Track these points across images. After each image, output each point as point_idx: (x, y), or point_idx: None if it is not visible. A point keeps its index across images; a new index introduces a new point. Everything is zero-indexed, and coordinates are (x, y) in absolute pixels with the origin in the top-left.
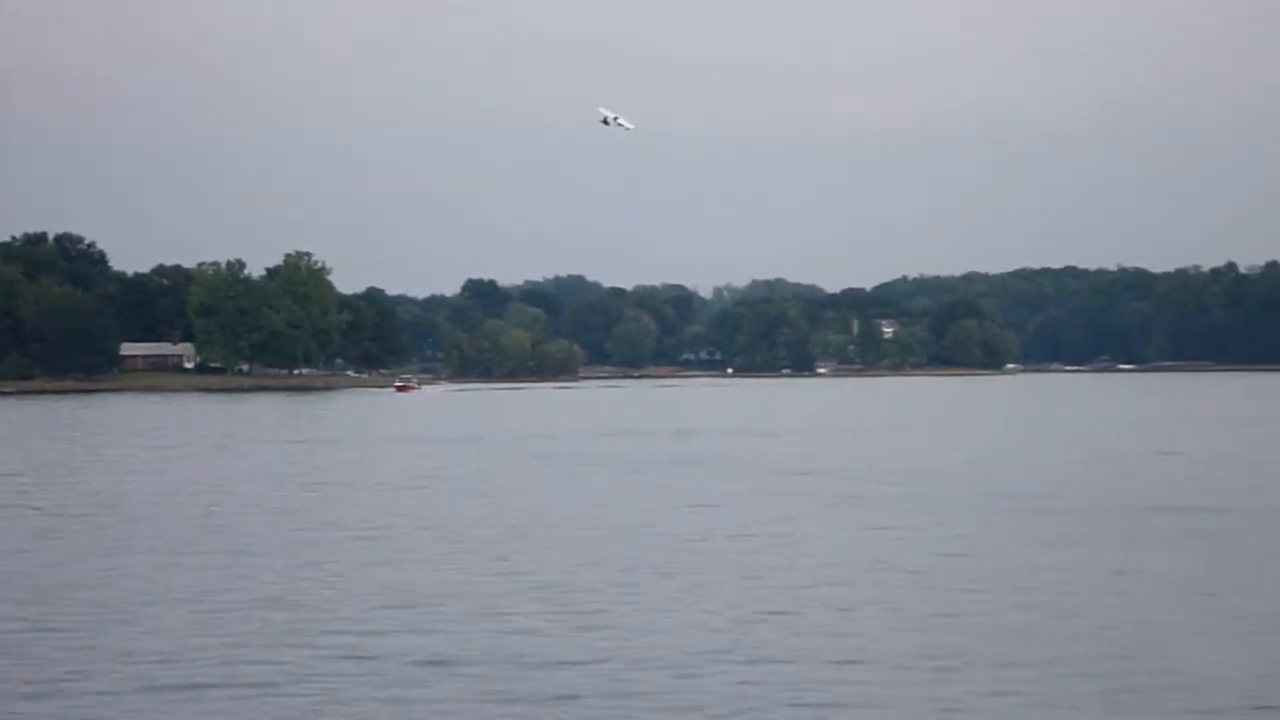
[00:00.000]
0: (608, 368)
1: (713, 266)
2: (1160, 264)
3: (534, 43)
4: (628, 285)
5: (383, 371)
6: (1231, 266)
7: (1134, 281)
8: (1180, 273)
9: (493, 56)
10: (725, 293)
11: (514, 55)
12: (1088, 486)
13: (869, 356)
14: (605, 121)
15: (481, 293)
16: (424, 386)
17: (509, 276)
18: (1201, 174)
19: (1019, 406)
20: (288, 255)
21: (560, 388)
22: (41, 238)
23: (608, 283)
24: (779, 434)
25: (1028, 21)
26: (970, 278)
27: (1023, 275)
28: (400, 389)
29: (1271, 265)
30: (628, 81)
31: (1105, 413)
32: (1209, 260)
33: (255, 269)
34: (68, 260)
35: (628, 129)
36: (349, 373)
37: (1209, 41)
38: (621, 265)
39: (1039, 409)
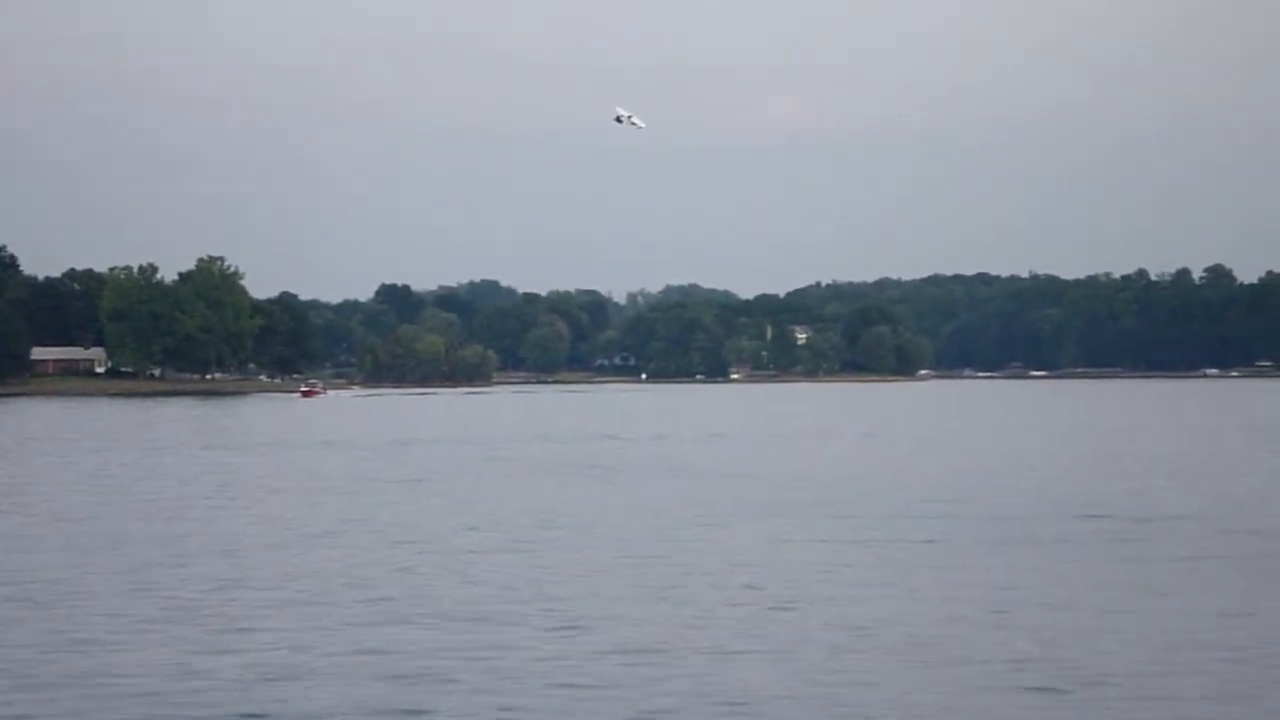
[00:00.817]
0: (521, 373)
1: (627, 272)
2: (1072, 271)
3: (446, 44)
4: (542, 291)
5: (296, 377)
6: (1142, 274)
7: (1046, 288)
8: (1091, 280)
9: (408, 58)
10: (639, 298)
11: (430, 57)
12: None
13: (782, 362)
14: (619, 119)
15: (395, 298)
16: (330, 392)
17: (423, 282)
18: (1113, 182)
19: (924, 413)
20: (200, 260)
21: (471, 393)
22: None
23: (522, 288)
24: (698, 439)
25: (950, 31)
26: (883, 284)
27: (935, 282)
28: (306, 394)
29: (1182, 273)
30: (543, 85)
31: (1011, 420)
32: (1120, 268)
33: (168, 274)
34: None
35: (640, 128)
36: (262, 378)
37: (1124, 55)
38: (536, 271)
39: (945, 414)
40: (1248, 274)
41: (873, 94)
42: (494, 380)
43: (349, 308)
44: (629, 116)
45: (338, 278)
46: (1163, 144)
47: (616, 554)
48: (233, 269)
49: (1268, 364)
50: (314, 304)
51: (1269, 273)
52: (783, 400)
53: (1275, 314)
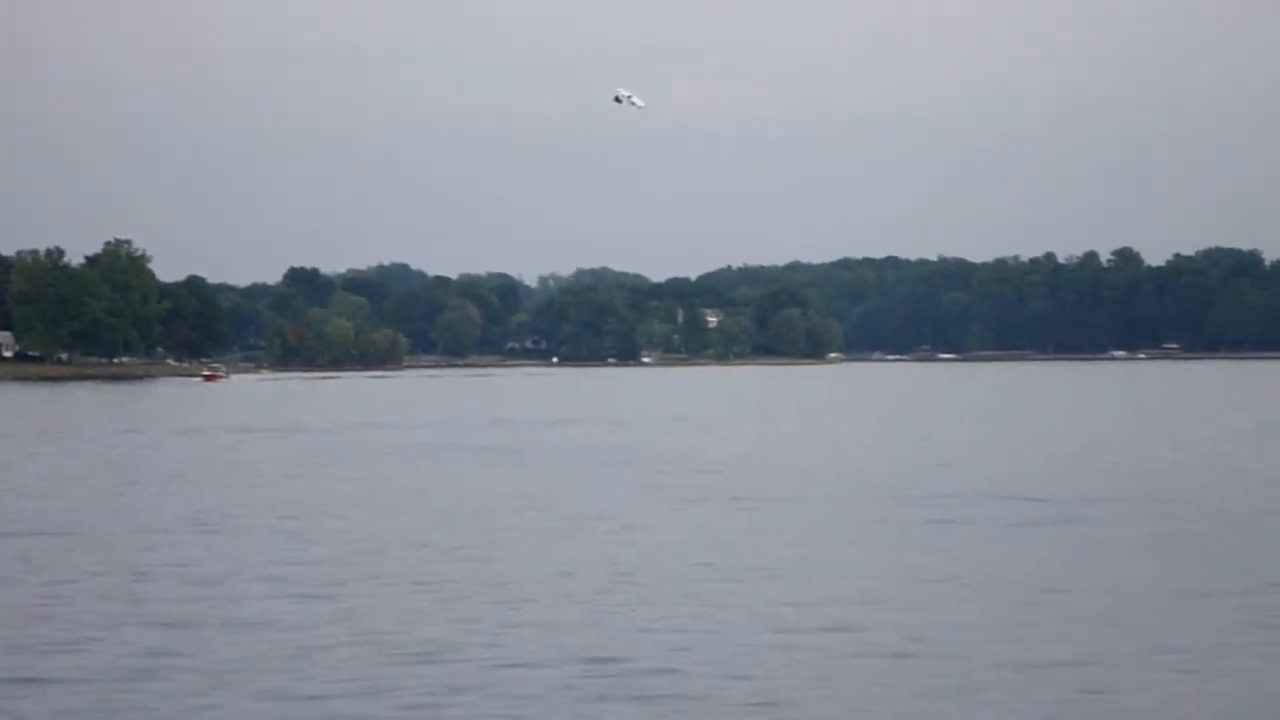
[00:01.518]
0: (432, 357)
1: (538, 255)
2: (980, 254)
3: (355, 31)
4: (453, 274)
5: (204, 361)
6: (1050, 257)
7: (954, 272)
8: (1000, 263)
9: (314, 41)
10: (551, 282)
11: (335, 43)
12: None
13: (694, 346)
14: (618, 99)
15: (304, 281)
16: (232, 376)
17: (332, 265)
18: (1021, 165)
19: (818, 396)
20: (108, 243)
21: (377, 377)
22: None
23: (432, 271)
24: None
25: (855, 15)
26: (794, 267)
27: (845, 265)
28: (208, 378)
29: (1089, 256)
30: (451, 70)
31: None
32: (1028, 251)
33: (75, 257)
34: None
35: (639, 107)
36: (170, 361)
37: (1031, 37)
38: (446, 254)
39: (838, 396)
40: (1155, 257)
41: (784, 78)
42: (405, 364)
43: (257, 291)
44: (629, 96)
45: (246, 261)
46: (1069, 128)
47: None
48: (140, 253)
49: (1174, 346)
50: (222, 288)
51: (1176, 255)
52: (687, 383)
53: (1182, 296)
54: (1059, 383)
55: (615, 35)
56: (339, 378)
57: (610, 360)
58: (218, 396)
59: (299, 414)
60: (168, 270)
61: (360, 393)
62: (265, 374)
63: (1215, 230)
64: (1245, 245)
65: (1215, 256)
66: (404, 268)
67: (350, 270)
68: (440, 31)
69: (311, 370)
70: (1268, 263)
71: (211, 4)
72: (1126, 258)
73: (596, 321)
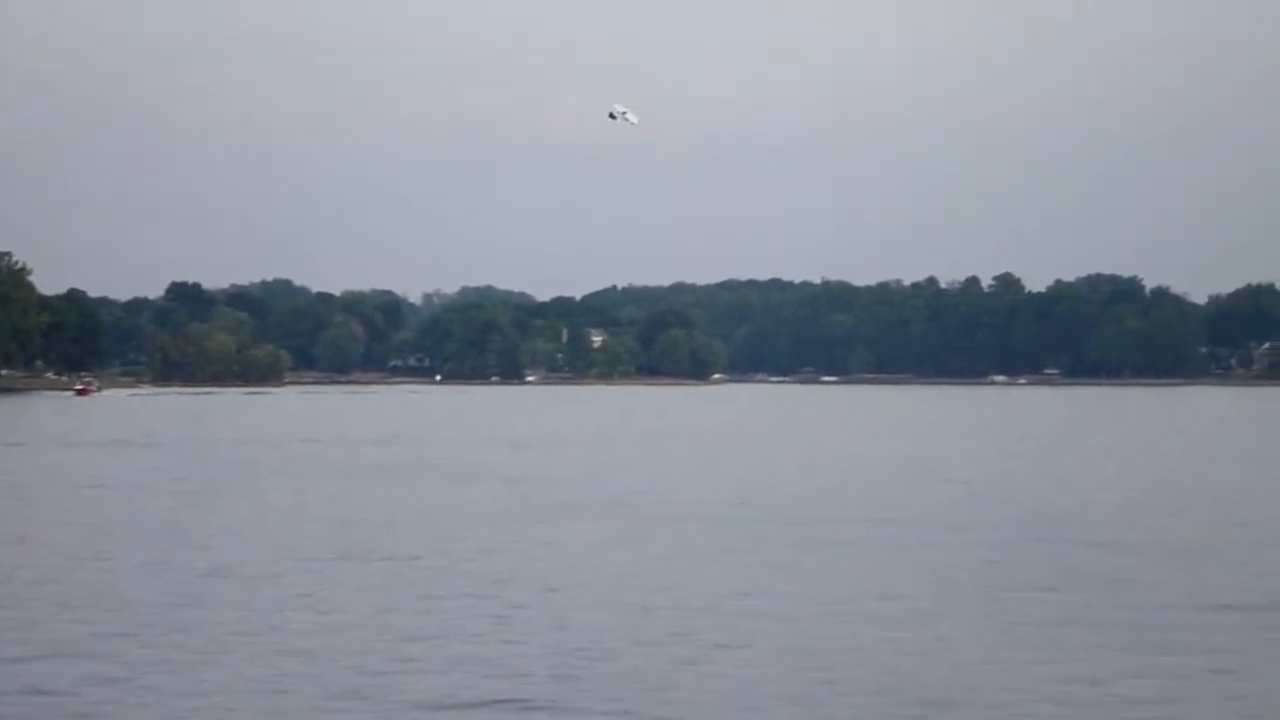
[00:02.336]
0: (314, 373)
1: (423, 272)
2: (863, 278)
3: (241, 45)
4: (336, 290)
5: (84, 375)
6: (932, 281)
7: (838, 295)
8: (882, 286)
9: (197, 54)
10: (435, 299)
11: (221, 57)
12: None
13: (578, 365)
14: (612, 115)
15: (186, 295)
16: (104, 390)
17: (214, 279)
18: (903, 190)
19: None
20: None
21: (253, 393)
22: None
23: (316, 288)
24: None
25: (732, 37)
26: (678, 288)
27: (730, 287)
28: (80, 392)
29: (971, 281)
30: (336, 83)
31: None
32: (911, 275)
33: None
34: None
35: (632, 124)
36: (50, 375)
37: (911, 60)
38: (330, 270)
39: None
40: (1036, 283)
41: (667, 99)
42: (287, 380)
43: (139, 305)
44: (624, 113)
45: (128, 275)
46: (952, 153)
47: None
48: (20, 265)
49: (1054, 372)
50: (104, 301)
51: (1057, 281)
52: (563, 403)
53: (1062, 322)
54: (901, 406)
55: (502, 48)
56: (215, 393)
57: (494, 379)
58: (81, 411)
59: (153, 426)
60: (48, 283)
61: (227, 407)
62: (142, 389)
63: (1095, 257)
64: (1125, 272)
65: (1095, 283)
66: (287, 284)
67: (233, 285)
68: (321, 46)
69: (192, 385)
70: (1148, 289)
71: (93, 10)
72: (1007, 283)
73: (480, 340)
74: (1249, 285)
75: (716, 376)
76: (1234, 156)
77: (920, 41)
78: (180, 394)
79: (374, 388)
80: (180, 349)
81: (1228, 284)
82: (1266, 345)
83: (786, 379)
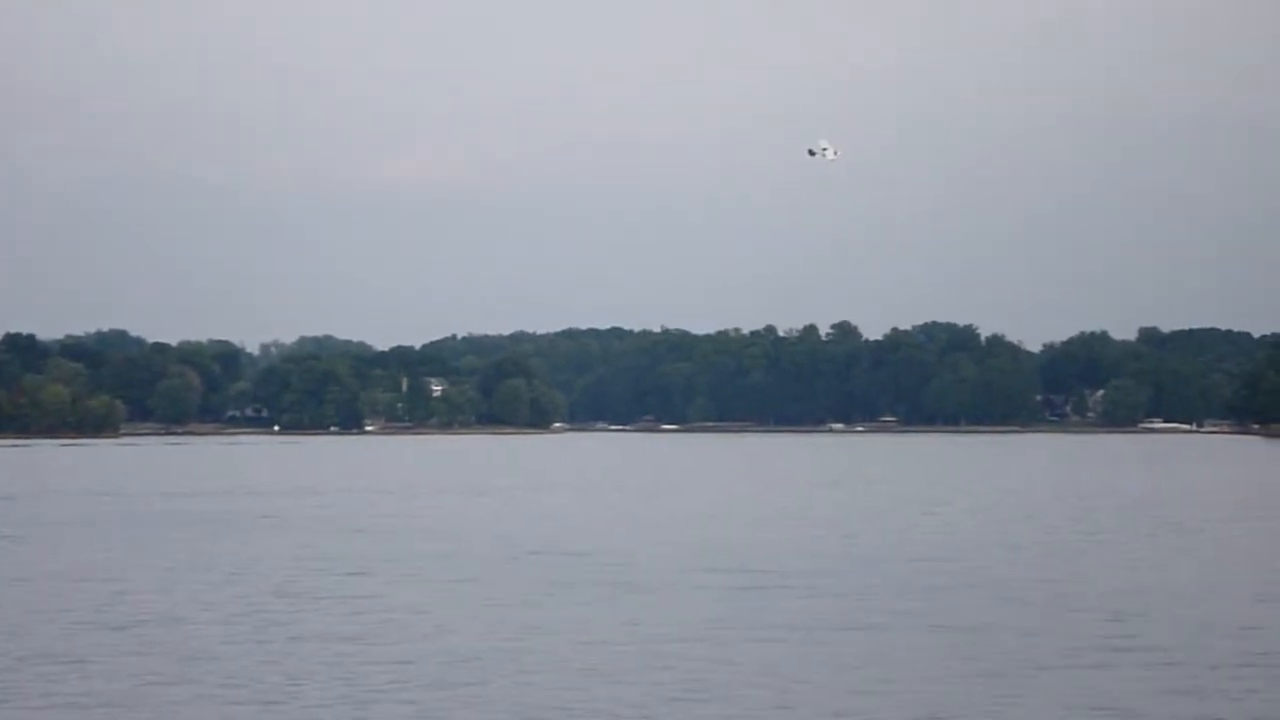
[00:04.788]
0: (150, 424)
1: (260, 323)
2: (702, 326)
3: (72, 89)
4: (173, 340)
5: None
6: (770, 329)
7: (677, 343)
8: (721, 334)
9: (29, 100)
10: (273, 349)
11: (55, 103)
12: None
13: (418, 414)
14: (811, 153)
15: (20, 347)
16: None
17: (49, 330)
18: (742, 240)
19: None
20: None
21: (69, 445)
22: None
23: (152, 338)
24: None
25: (579, 80)
26: (518, 337)
27: (570, 335)
28: None
29: (809, 329)
30: (159, 132)
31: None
32: (749, 323)
33: None
34: None
35: (832, 160)
36: None
37: (743, 109)
38: (166, 321)
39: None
40: (873, 331)
41: (506, 148)
42: (122, 431)
43: None
44: (824, 149)
45: None
46: (791, 202)
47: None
48: None
49: (891, 419)
50: None
51: (894, 329)
52: (395, 454)
53: (898, 369)
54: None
55: (343, 95)
56: (38, 445)
57: (333, 429)
58: None
59: None
60: None
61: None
62: None
63: (931, 305)
64: (961, 320)
65: (932, 331)
66: (123, 334)
67: (68, 336)
68: (160, 92)
69: (26, 437)
70: (983, 337)
71: None
72: (845, 331)
73: (319, 390)
74: (1082, 333)
75: (557, 425)
76: (1066, 206)
77: (745, 94)
78: (13, 446)
79: (209, 439)
80: (13, 401)
81: (1061, 332)
82: (1100, 392)
83: (626, 427)
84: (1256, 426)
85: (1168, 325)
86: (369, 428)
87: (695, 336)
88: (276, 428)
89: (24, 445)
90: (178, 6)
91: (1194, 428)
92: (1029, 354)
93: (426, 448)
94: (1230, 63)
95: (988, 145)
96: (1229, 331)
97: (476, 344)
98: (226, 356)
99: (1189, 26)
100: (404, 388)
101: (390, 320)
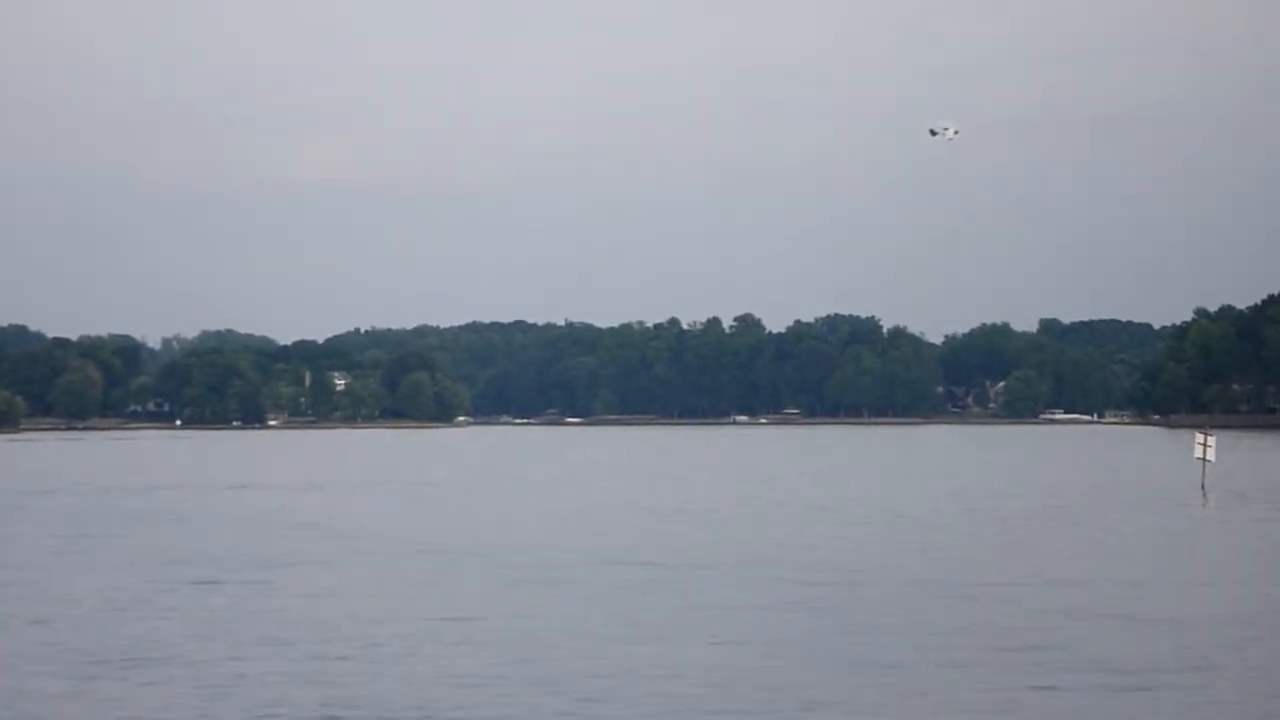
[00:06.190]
0: (51, 419)
1: (162, 316)
2: (606, 319)
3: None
4: (73, 335)
5: None
6: (674, 322)
7: (581, 336)
8: (625, 328)
9: None
10: (175, 343)
11: None
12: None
13: (321, 409)
14: (933, 132)
15: None
16: None
17: None
18: (645, 232)
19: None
20: None
21: None
22: None
23: (52, 332)
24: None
25: (490, 77)
26: (422, 331)
27: (474, 329)
28: None
29: (712, 322)
30: (59, 127)
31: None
32: (653, 316)
33: None
34: None
35: (951, 139)
36: None
37: (661, 109)
38: (66, 315)
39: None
40: (776, 323)
41: (409, 142)
42: (23, 427)
43: None
44: (945, 128)
45: None
46: (691, 196)
47: None
48: None
49: (795, 411)
50: None
51: (796, 322)
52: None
53: (802, 362)
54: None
55: (247, 91)
56: None
57: (235, 423)
58: None
59: None
60: None
61: None
62: None
63: (834, 297)
64: (863, 312)
65: (835, 323)
66: (22, 329)
67: None
68: (54, 86)
69: None
70: (885, 329)
71: None
72: (748, 324)
73: (221, 384)
74: (983, 325)
75: (461, 419)
76: (966, 199)
77: (644, 89)
78: None
79: (112, 434)
80: None
81: (963, 324)
82: (1001, 383)
83: (531, 421)
84: (1156, 417)
85: (1068, 317)
86: (272, 422)
87: (599, 330)
88: (178, 422)
89: None
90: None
91: (1095, 419)
92: (931, 346)
93: (326, 442)
94: (1131, 58)
95: (888, 139)
96: (1129, 323)
97: (380, 338)
98: (128, 351)
99: (1088, 27)
100: (307, 382)
101: (293, 314)
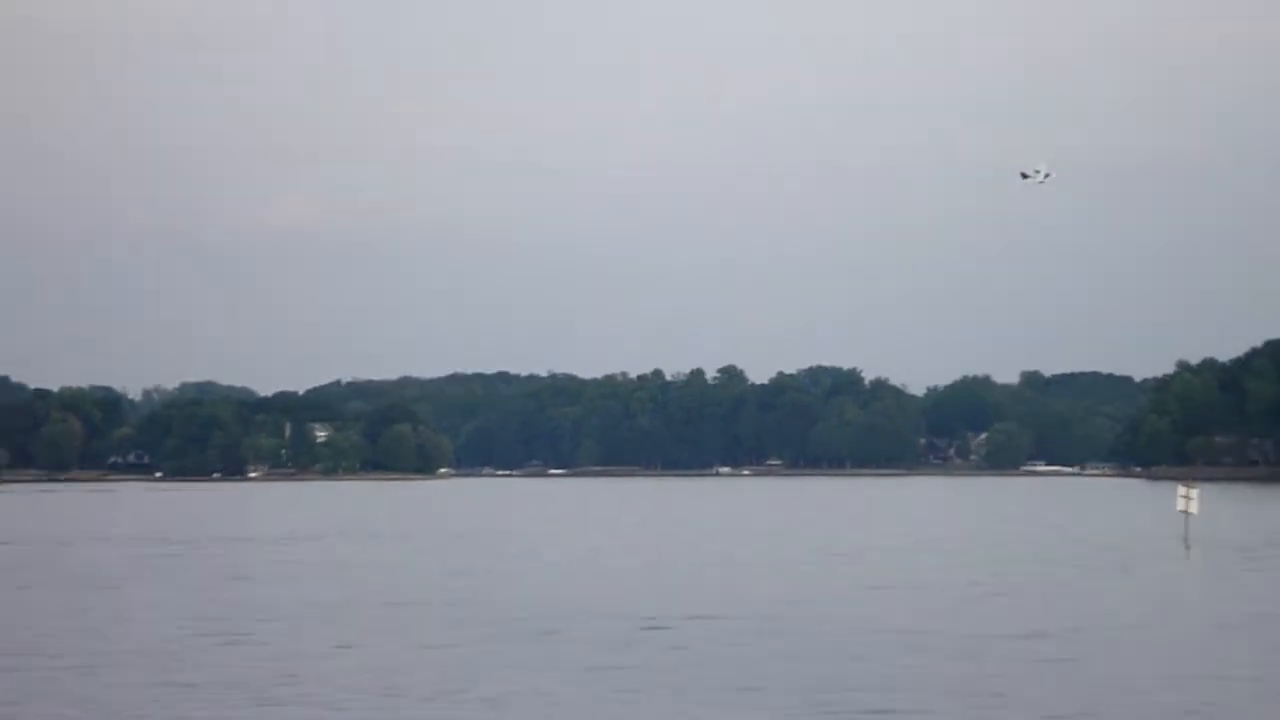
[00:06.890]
0: (33, 471)
1: (142, 368)
2: (589, 370)
3: None
4: (54, 386)
5: None
6: (658, 373)
7: (564, 387)
8: (608, 379)
9: None
10: (155, 395)
11: None
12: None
13: (302, 460)
14: (1025, 175)
15: None
16: None
17: None
18: (627, 286)
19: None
20: None
21: None
22: None
23: (33, 384)
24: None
25: (435, 125)
26: (404, 382)
27: (456, 380)
28: None
29: (695, 373)
30: (59, 179)
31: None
32: (636, 368)
33: None
34: None
35: (1040, 182)
36: None
37: (635, 149)
38: (48, 366)
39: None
40: (759, 374)
41: (389, 192)
42: (4, 478)
43: None
44: (1038, 171)
45: None
46: (671, 249)
47: None
48: None
49: (778, 462)
50: None
51: (779, 373)
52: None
53: (784, 414)
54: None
55: (227, 140)
56: None
57: (215, 475)
58: None
59: None
60: None
61: None
62: None
63: (816, 349)
64: (845, 364)
65: (817, 375)
66: (3, 380)
67: None
68: (33, 138)
69: None
70: (867, 381)
71: None
72: (731, 375)
73: (202, 435)
74: (965, 377)
75: (443, 471)
76: (948, 252)
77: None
78: None
79: (91, 485)
80: None
81: (945, 376)
82: (983, 435)
83: (514, 473)
84: (1139, 470)
85: (1050, 369)
86: (252, 474)
87: (582, 381)
88: (159, 474)
89: None
90: (40, 51)
91: (1077, 470)
92: (913, 397)
93: (303, 495)
94: (1110, 108)
95: (868, 189)
96: (1110, 375)
97: (361, 389)
98: (108, 403)
99: (1067, 74)
100: (287, 433)
101: (274, 366)
